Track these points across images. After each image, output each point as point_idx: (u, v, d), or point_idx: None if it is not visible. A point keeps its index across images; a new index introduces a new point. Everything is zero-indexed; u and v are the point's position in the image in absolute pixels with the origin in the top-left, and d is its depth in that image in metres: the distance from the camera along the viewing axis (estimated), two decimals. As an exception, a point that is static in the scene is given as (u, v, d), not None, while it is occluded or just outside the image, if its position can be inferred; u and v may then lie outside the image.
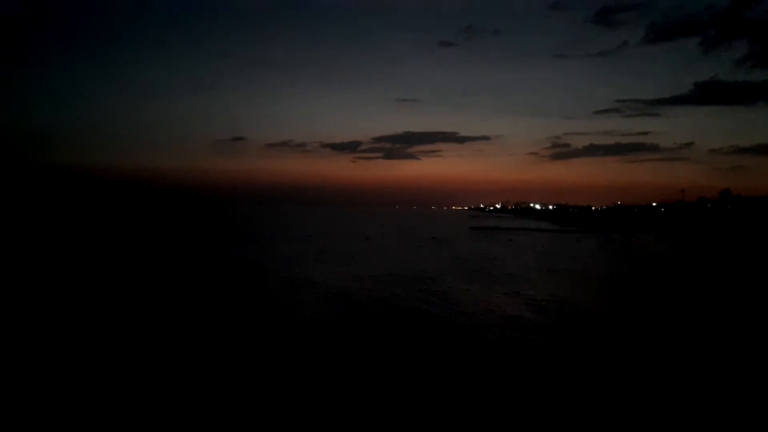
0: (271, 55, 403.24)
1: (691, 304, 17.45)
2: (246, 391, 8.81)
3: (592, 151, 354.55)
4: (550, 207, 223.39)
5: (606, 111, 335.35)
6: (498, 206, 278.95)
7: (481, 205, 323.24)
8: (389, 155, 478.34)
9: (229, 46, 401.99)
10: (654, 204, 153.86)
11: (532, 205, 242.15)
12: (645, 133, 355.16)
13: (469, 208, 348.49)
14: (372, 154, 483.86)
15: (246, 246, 39.70)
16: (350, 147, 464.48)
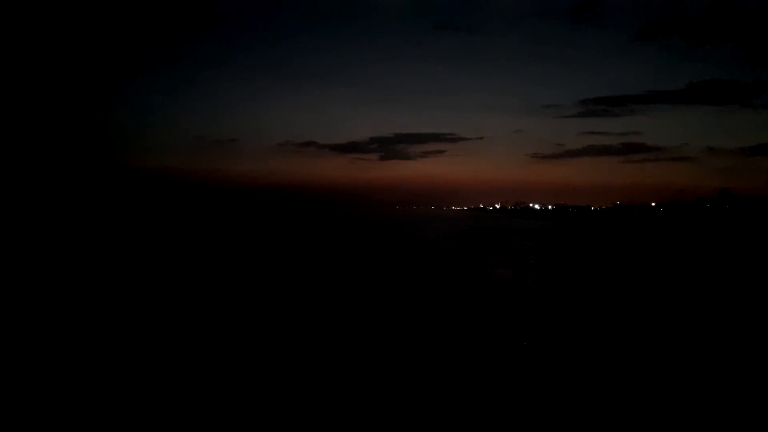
0: (268, 58, 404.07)
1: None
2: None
3: (591, 151, 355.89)
4: (550, 207, 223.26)
5: (601, 110, 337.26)
6: (497, 206, 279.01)
7: (481, 205, 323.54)
8: (386, 156, 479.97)
9: (227, 48, 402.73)
10: (653, 204, 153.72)
11: (531, 205, 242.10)
12: (641, 133, 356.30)
13: (469, 209, 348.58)
14: (369, 155, 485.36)
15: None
16: (348, 148, 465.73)
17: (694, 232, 63.59)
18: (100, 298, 16.00)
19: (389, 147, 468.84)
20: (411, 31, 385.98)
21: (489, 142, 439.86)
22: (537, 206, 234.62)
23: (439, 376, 8.92)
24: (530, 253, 34.06)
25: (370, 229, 68.96)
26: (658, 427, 7.05)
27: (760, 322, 13.72)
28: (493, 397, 7.99)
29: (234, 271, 23.18)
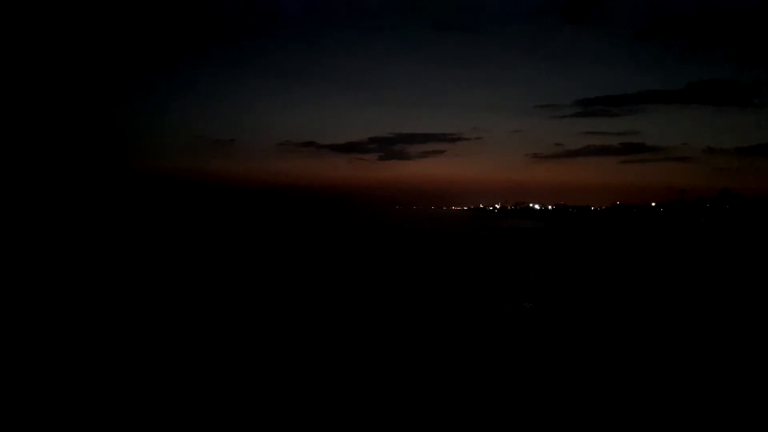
0: (268, 59, 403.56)
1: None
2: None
3: (590, 151, 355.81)
4: (550, 207, 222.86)
5: (599, 110, 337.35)
6: (497, 206, 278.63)
7: (481, 205, 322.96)
8: (386, 156, 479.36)
9: (227, 50, 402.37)
10: (653, 204, 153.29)
11: (531, 205, 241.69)
12: (640, 133, 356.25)
13: (469, 209, 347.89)
14: (369, 155, 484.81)
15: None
16: (347, 148, 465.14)
17: (695, 232, 63.50)
18: (101, 297, 16.02)
19: (388, 147, 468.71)
20: (409, 31, 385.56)
21: (488, 142, 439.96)
22: (537, 206, 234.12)
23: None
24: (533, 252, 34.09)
25: (355, 239, 68.66)
26: (660, 427, 7.09)
27: (760, 321, 13.72)
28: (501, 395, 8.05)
29: (233, 271, 23.18)
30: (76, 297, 15.92)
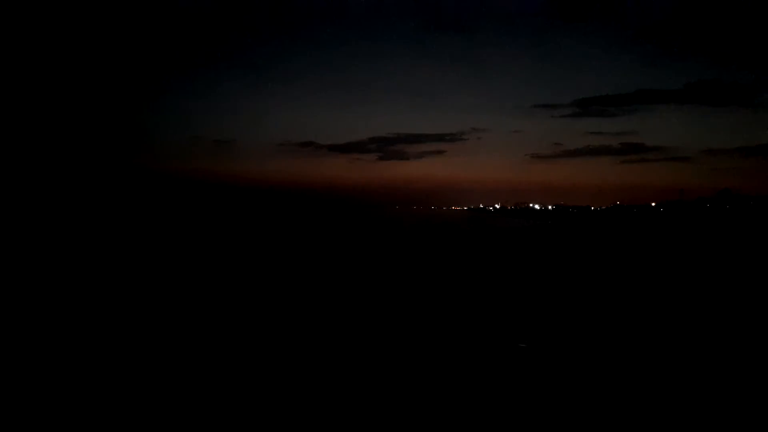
0: (268, 59, 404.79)
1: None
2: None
3: (590, 151, 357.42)
4: (549, 207, 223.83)
5: (598, 110, 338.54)
6: (497, 206, 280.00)
7: (481, 205, 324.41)
8: (385, 156, 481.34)
9: (228, 51, 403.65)
10: (653, 204, 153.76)
11: (531, 205, 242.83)
12: (639, 133, 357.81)
13: (469, 209, 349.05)
14: (368, 155, 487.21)
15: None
16: (346, 148, 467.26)
17: (695, 232, 63.53)
18: (101, 295, 15.86)
19: (388, 147, 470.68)
20: (409, 31, 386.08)
21: (488, 142, 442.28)
22: (537, 206, 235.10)
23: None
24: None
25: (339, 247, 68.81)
26: (659, 427, 6.85)
27: (760, 321, 13.55)
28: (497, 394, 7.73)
29: (233, 270, 23.00)
30: (76, 294, 15.81)
